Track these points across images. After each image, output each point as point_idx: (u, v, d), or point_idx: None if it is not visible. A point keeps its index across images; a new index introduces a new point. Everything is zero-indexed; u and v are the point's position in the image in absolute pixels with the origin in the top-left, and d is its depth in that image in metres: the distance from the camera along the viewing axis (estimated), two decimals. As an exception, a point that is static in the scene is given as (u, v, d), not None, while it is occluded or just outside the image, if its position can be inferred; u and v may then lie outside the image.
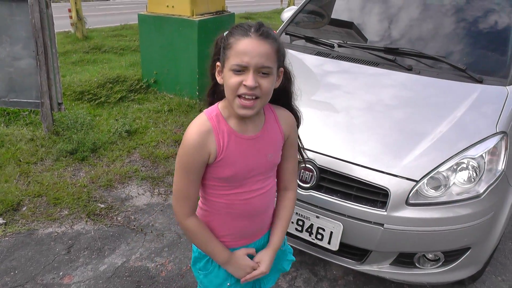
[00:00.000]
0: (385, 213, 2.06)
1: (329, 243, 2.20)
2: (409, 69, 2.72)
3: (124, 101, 5.13)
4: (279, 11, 16.65)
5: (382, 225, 2.07)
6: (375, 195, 2.10)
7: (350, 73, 2.85)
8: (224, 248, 1.44)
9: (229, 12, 5.59)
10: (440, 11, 3.14)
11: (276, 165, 1.48)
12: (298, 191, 2.21)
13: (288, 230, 2.29)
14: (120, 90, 5.24)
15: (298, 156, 1.59)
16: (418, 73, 2.70)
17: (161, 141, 4.16)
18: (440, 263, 2.25)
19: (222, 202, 1.40)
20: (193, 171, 1.31)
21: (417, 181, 2.07)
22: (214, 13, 5.29)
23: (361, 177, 2.09)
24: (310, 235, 2.24)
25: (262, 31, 1.22)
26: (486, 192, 2.14)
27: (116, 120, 4.51)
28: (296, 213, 2.24)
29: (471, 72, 2.64)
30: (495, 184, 2.17)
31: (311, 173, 2.19)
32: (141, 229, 2.90)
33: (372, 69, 2.81)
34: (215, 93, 1.41)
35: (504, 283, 2.72)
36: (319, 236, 2.21)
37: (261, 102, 1.26)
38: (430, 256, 2.25)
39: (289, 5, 18.33)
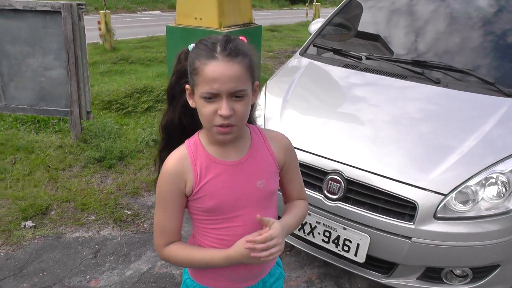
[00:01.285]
0: (413, 226, 2.04)
1: (355, 255, 2.18)
2: (437, 82, 2.71)
3: (151, 111, 5.22)
4: (304, 24, 16.77)
5: (409, 238, 2.05)
6: (403, 208, 2.08)
7: (377, 85, 2.85)
8: (216, 254, 1.23)
9: (256, 24, 5.67)
10: (467, 24, 3.13)
11: (273, 194, 1.30)
12: (326, 202, 2.21)
13: (315, 241, 2.30)
14: (147, 100, 5.34)
15: None
16: (446, 86, 2.69)
17: (186, 151, 4.21)
18: (468, 280, 2.21)
19: (213, 237, 1.25)
20: (170, 202, 1.21)
21: (445, 195, 2.05)
22: (242, 25, 5.38)
23: (389, 190, 2.08)
24: (336, 247, 2.24)
25: (230, 50, 1.08)
26: (516, 208, 2.10)
27: (143, 129, 4.59)
28: (323, 224, 2.24)
29: (500, 85, 2.61)
30: (526, 200, 2.13)
31: (338, 185, 2.19)
32: (165, 237, 2.93)
33: (399, 81, 2.80)
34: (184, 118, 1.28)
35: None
36: (345, 248, 2.21)
37: (238, 127, 1.14)
38: (458, 272, 2.21)
39: (314, 18, 18.48)
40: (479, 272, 2.20)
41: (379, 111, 2.60)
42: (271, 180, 1.28)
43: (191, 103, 1.18)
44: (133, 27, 14.24)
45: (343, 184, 2.18)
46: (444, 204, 2.05)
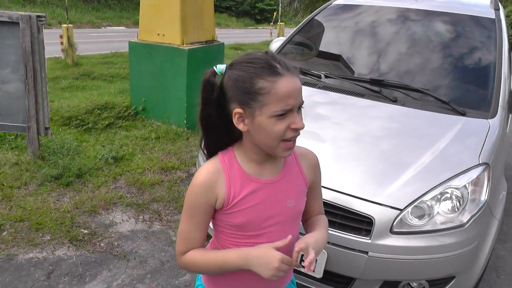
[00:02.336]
0: (370, 241, 2.06)
1: (313, 271, 2.18)
2: (394, 101, 2.79)
3: (112, 128, 5.13)
4: (268, 43, 16.87)
5: (366, 253, 2.07)
6: (360, 223, 2.11)
7: (337, 104, 2.90)
8: (233, 251, 1.22)
9: (219, 41, 5.69)
10: (424, 46, 3.26)
11: (301, 214, 1.33)
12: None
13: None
14: (108, 116, 5.25)
15: None
16: (403, 104, 2.76)
17: (148, 168, 4.14)
18: (425, 292, 2.25)
19: None
20: (197, 214, 1.21)
21: (401, 210, 2.09)
22: (204, 43, 5.38)
23: (346, 205, 2.11)
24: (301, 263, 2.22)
25: (285, 64, 1.11)
26: (470, 222, 2.16)
27: (103, 146, 4.50)
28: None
29: (455, 105, 2.71)
30: (478, 214, 2.20)
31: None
32: (124, 256, 2.86)
33: (360, 100, 2.86)
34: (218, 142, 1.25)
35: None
36: (303, 264, 2.19)
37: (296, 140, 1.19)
38: (414, 284, 2.25)
39: (279, 37, 18.74)
40: (435, 284, 2.24)
41: (340, 129, 2.64)
42: (300, 200, 1.31)
43: (241, 127, 1.14)
44: (97, 42, 14.05)
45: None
46: (401, 218, 2.09)
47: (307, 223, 1.42)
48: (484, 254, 2.36)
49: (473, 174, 2.26)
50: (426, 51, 3.21)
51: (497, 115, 2.69)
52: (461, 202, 2.19)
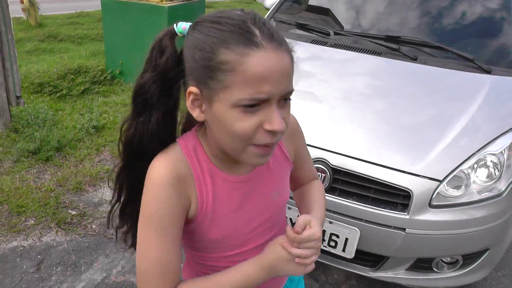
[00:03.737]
0: (408, 216, 1.86)
1: (343, 250, 1.98)
2: (414, 59, 2.54)
3: (88, 94, 4.72)
4: (241, 0, 16.30)
5: (404, 229, 1.87)
6: (396, 197, 1.89)
7: (355, 62, 2.62)
8: (245, 265, 0.89)
9: (200, -2, 5.27)
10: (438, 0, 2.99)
11: (286, 203, 1.04)
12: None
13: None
14: (83, 81, 4.82)
15: None
16: (424, 63, 2.52)
17: (133, 137, 3.81)
18: (458, 266, 2.09)
19: (220, 266, 0.93)
20: (171, 226, 0.84)
21: (440, 181, 1.88)
22: (185, 0, 4.96)
23: (380, 178, 1.88)
24: (322, 242, 2.01)
25: (272, 33, 0.76)
26: (507, 190, 2.00)
27: (81, 114, 4.11)
28: (306, 219, 2.01)
29: (480, 62, 2.48)
30: (515, 181, 2.03)
31: (323, 174, 1.95)
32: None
33: (377, 58, 2.60)
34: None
35: (505, 278, 2.63)
36: (332, 243, 1.99)
37: (276, 143, 0.84)
38: (448, 259, 2.09)
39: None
40: (469, 258, 2.09)
41: (368, 92, 2.37)
42: (285, 188, 1.02)
43: (196, 114, 0.82)
44: (59, 1, 13.13)
45: (328, 174, 1.95)
46: (438, 190, 1.89)
47: (298, 192, 1.16)
48: (515, 222, 2.22)
49: (509, 138, 2.08)
50: (442, 4, 2.95)
51: (527, 71, 2.49)
52: (498, 169, 2.01)
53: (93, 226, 2.66)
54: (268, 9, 3.44)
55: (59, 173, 3.17)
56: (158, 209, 0.83)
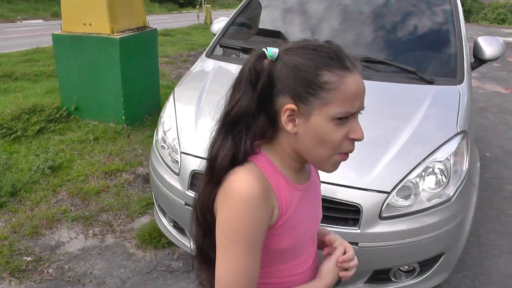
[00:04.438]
0: (359, 230, 1.88)
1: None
2: (357, 74, 2.59)
3: (44, 133, 4.61)
4: (197, 27, 16.50)
5: (356, 244, 1.88)
6: (346, 213, 1.91)
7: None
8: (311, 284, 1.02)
9: (151, 28, 5.26)
10: (381, 16, 3.14)
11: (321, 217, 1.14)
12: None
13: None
14: (38, 121, 4.70)
15: None
16: (368, 78, 2.57)
17: (90, 175, 3.73)
18: (415, 274, 2.13)
19: (269, 283, 0.99)
20: (259, 240, 0.89)
21: (388, 193, 1.92)
22: (136, 30, 4.94)
23: (329, 195, 1.89)
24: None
25: (353, 59, 0.91)
26: (456, 195, 2.05)
27: (37, 155, 4.00)
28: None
29: (421, 74, 2.57)
30: (462, 185, 2.08)
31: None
32: (78, 280, 2.51)
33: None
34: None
35: (467, 279, 2.68)
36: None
37: None
38: (405, 268, 2.11)
39: (206, 20, 18.25)
40: (426, 264, 2.12)
41: None
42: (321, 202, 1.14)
43: (289, 128, 0.90)
44: (13, 38, 12.91)
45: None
46: (388, 202, 1.91)
47: None
48: (468, 223, 2.28)
49: (454, 144, 2.15)
50: (383, 21, 3.07)
51: (464, 80, 2.61)
52: (445, 175, 2.06)
53: (50, 271, 2.57)
54: (215, 35, 3.47)
55: (13, 219, 3.07)
56: (249, 222, 0.86)
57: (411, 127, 2.18)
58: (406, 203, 1.95)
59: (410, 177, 1.97)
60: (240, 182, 0.88)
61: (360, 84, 0.89)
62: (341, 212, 1.91)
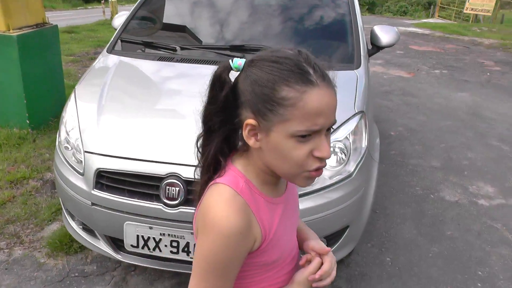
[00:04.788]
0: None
1: (188, 255, 2.02)
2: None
3: None
4: (103, 23, 15.85)
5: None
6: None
7: (196, 76, 2.66)
8: None
9: (51, 24, 4.97)
10: (280, 7, 3.25)
11: None
12: (166, 210, 1.98)
13: (163, 255, 2.05)
14: None
15: None
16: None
17: (-7, 185, 3.48)
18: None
19: (262, 285, 1.03)
20: (234, 269, 0.91)
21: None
22: (35, 26, 4.64)
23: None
24: (188, 255, 2.02)
25: (322, 72, 0.86)
26: (356, 170, 2.17)
27: None
28: (169, 234, 1.99)
29: (322, 61, 2.69)
30: (361, 161, 2.22)
31: (177, 188, 1.95)
32: (-18, 299, 2.35)
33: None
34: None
35: (374, 248, 2.87)
36: (174, 250, 2.02)
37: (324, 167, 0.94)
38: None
39: (112, 16, 17.57)
40: (332, 238, 2.23)
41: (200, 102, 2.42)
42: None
43: (251, 142, 0.89)
44: None
45: (182, 187, 1.95)
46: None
47: None
48: (370, 197, 2.42)
49: (352, 124, 2.27)
50: (282, 12, 3.19)
51: (361, 65, 2.77)
52: (345, 153, 2.18)
53: None
54: (116, 29, 3.37)
55: None
56: (225, 257, 0.88)
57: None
58: (308, 182, 2.04)
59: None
60: (220, 217, 0.87)
61: (325, 99, 0.84)
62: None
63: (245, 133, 0.89)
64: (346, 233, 2.25)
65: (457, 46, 12.07)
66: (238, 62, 0.89)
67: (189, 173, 1.94)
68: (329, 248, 1.04)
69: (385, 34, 3.34)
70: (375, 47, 3.40)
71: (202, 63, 2.74)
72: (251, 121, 0.87)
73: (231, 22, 3.19)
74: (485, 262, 2.87)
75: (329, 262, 1.02)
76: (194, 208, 1.87)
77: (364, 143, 2.26)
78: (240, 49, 2.79)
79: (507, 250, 3.03)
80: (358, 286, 2.54)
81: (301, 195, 2.01)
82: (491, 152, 4.73)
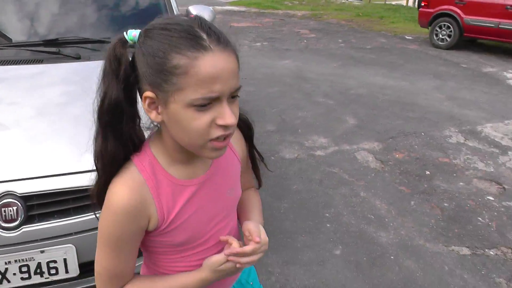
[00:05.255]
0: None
1: (67, 272, 1.90)
2: (77, 58, 2.54)
3: None
4: None
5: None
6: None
7: (15, 79, 2.43)
8: (186, 277, 1.01)
9: None
10: None
11: (239, 199, 1.12)
12: (6, 234, 1.80)
13: (14, 285, 1.87)
14: None
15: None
16: (89, 59, 2.56)
17: None
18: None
19: (182, 266, 1.03)
20: (125, 245, 0.94)
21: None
22: None
23: (72, 186, 1.84)
24: (42, 276, 1.88)
25: (218, 36, 0.82)
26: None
27: None
28: (15, 260, 1.81)
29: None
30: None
31: (14, 208, 1.79)
32: None
33: (35, 67, 2.48)
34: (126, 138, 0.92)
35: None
36: (53, 271, 1.88)
37: (231, 135, 0.89)
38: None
39: None
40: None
41: (23, 109, 2.20)
42: (238, 184, 1.11)
43: (153, 116, 0.87)
44: None
45: (20, 205, 1.80)
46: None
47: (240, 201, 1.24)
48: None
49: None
50: (96, 0, 3.03)
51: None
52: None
53: None
54: None
55: None
56: (113, 232, 0.91)
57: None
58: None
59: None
60: (113, 195, 0.90)
61: (219, 64, 0.80)
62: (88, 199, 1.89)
63: (144, 106, 0.87)
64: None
65: (273, 20, 12.98)
66: (132, 33, 0.86)
67: (26, 187, 1.80)
68: (258, 239, 1.00)
69: (200, 13, 3.45)
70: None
71: (17, 64, 2.51)
72: (148, 93, 0.84)
73: (42, 15, 2.95)
74: (330, 204, 3.30)
75: (253, 246, 0.99)
76: (39, 224, 1.78)
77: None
78: (55, 44, 2.62)
79: (345, 189, 3.53)
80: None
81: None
82: (319, 108, 5.33)
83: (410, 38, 10.49)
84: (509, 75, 7.26)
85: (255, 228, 1.02)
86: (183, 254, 1.03)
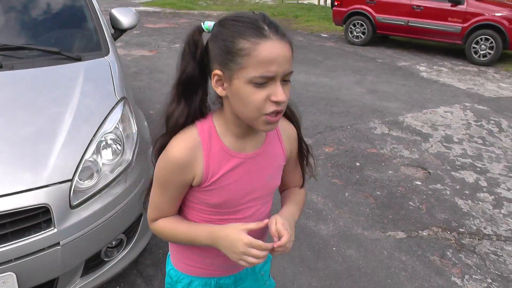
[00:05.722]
0: (56, 230, 1.78)
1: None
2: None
3: None
4: None
5: (58, 244, 1.79)
6: (35, 218, 1.76)
7: None
8: (202, 228, 1.16)
9: None
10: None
11: (275, 190, 1.27)
12: None
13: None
14: None
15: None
16: (12, 68, 2.37)
17: None
18: (125, 243, 2.20)
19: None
20: (170, 190, 1.13)
21: (71, 180, 1.86)
22: None
23: (10, 208, 1.70)
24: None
25: (277, 28, 0.99)
26: (134, 158, 2.17)
27: None
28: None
29: (67, 52, 2.54)
30: (137, 147, 2.22)
31: None
32: None
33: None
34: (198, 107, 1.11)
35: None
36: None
37: (282, 112, 1.04)
38: (113, 243, 2.14)
39: None
40: (130, 231, 2.21)
41: None
42: (277, 175, 1.25)
43: (219, 91, 1.05)
44: None
45: None
46: (73, 189, 1.87)
47: (284, 194, 1.36)
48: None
49: (118, 112, 2.25)
50: (15, 4, 2.83)
51: (110, 51, 2.73)
52: (119, 143, 2.15)
53: None
54: None
55: None
56: (162, 176, 1.12)
57: (72, 108, 2.14)
58: (91, 182, 1.95)
59: (87, 156, 1.96)
60: (172, 147, 1.09)
61: (276, 50, 0.97)
62: (30, 220, 1.75)
63: (213, 82, 1.05)
64: (141, 221, 2.26)
65: (190, 20, 12.81)
66: (208, 24, 1.06)
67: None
68: (276, 245, 1.08)
69: (124, 16, 3.33)
70: (118, 30, 3.36)
71: None
72: (217, 71, 1.02)
73: None
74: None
75: (287, 235, 1.08)
76: (11, 242, 1.63)
77: (134, 128, 2.27)
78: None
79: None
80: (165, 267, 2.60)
81: (86, 200, 1.91)
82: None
83: (326, 35, 10.93)
84: (422, 68, 7.82)
85: (281, 221, 1.10)
86: (213, 216, 1.18)
